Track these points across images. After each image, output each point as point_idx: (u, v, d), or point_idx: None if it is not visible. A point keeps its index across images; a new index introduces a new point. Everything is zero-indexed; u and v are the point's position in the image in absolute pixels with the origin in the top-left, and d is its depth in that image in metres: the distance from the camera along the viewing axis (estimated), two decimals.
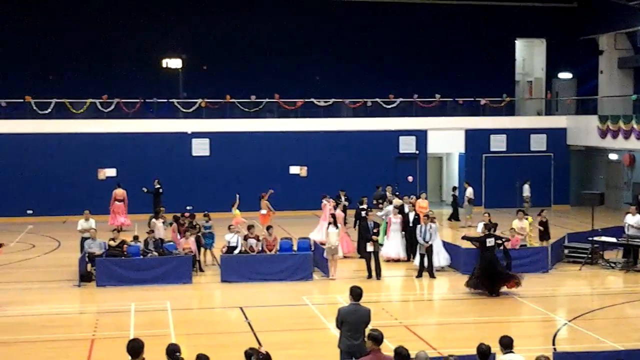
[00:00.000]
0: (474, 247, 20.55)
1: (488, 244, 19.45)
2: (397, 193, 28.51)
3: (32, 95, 34.52)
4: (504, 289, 19.40)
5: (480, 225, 22.16)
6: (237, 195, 27.22)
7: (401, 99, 37.11)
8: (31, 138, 34.21)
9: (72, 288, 20.60)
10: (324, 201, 27.30)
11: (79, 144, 34.41)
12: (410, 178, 32.42)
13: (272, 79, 36.84)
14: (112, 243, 21.83)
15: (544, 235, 24.14)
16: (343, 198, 27.48)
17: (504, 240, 20.44)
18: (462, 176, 37.00)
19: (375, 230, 21.69)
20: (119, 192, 31.23)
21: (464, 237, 21.27)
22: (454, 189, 33.90)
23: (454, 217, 32.71)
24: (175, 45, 37.11)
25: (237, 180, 33.92)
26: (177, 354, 9.46)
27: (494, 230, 20.29)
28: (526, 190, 34.03)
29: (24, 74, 35.63)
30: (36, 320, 17.42)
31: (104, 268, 20.88)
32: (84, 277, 21.02)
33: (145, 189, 31.73)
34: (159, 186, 32.04)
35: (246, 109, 36.15)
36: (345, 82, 37.20)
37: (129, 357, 9.43)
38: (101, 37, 36.58)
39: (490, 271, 19.28)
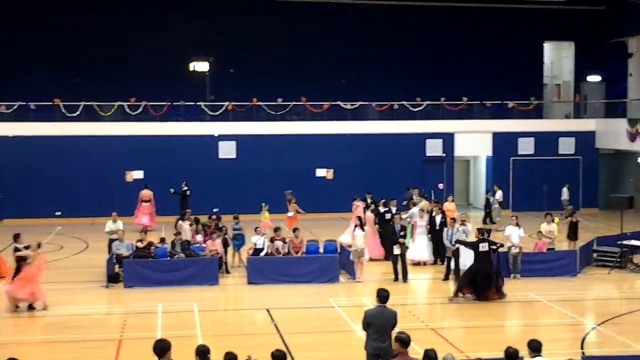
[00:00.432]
0: (502, 250, 20.40)
1: (481, 249, 19.27)
2: (425, 195, 28.39)
3: (61, 98, 34.84)
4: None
5: (508, 229, 22.07)
6: (263, 204, 27.32)
7: (428, 102, 36.99)
8: (60, 140, 34.53)
9: (100, 289, 20.75)
10: (356, 203, 27.22)
11: (107, 147, 34.68)
12: (440, 185, 32.20)
13: (298, 81, 36.87)
14: (139, 245, 21.99)
15: (572, 235, 24.02)
16: (369, 201, 27.41)
17: (498, 245, 20.19)
18: (489, 179, 36.80)
19: (402, 233, 21.62)
20: (146, 193, 31.56)
21: (457, 241, 21.08)
22: (488, 192, 33.60)
23: (490, 219, 32.43)
24: (203, 48, 37.26)
25: (263, 183, 34.04)
26: (208, 355, 9.50)
27: (488, 236, 20.01)
28: (564, 193, 34.01)
29: (52, 77, 35.95)
30: (64, 320, 17.56)
31: (132, 269, 21.01)
32: (112, 278, 21.18)
33: (172, 190, 32.00)
34: (186, 188, 32.24)
35: (273, 112, 36.23)
36: (371, 85, 37.17)
37: (156, 358, 9.48)
38: (129, 40, 36.82)
39: (482, 276, 19.10)
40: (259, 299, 19.63)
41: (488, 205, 32.85)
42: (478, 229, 20.11)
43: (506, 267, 21.72)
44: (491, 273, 19.21)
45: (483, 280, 19.06)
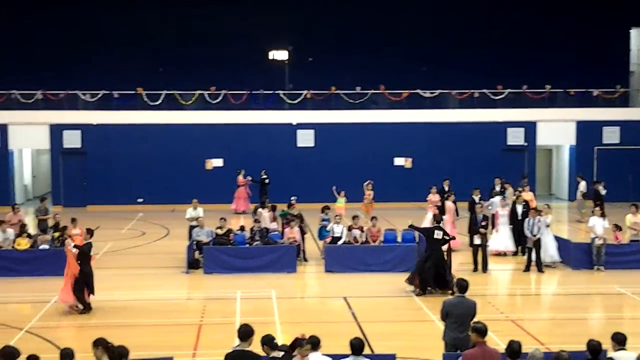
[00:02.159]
0: (585, 241, 19.90)
1: (435, 236, 18.75)
2: (510, 183, 27.81)
3: (144, 87, 35.47)
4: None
5: (592, 220, 21.53)
6: (334, 188, 27.34)
7: (510, 90, 36.33)
8: (142, 129, 35.20)
9: (180, 274, 21.07)
10: (433, 192, 26.83)
11: (188, 135, 35.20)
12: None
13: (377, 70, 36.71)
14: (219, 231, 22.22)
15: None
16: (446, 188, 27.03)
17: (450, 237, 19.60)
18: (572, 169, 35.97)
19: (483, 223, 21.29)
20: (239, 178, 32.71)
21: (410, 226, 20.51)
22: (594, 182, 31.99)
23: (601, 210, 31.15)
24: (282, 37, 37.42)
25: (341, 171, 34.01)
26: (275, 341, 9.72)
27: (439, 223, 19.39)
28: None
29: (135, 67, 36.65)
30: (146, 305, 17.86)
31: (211, 256, 21.25)
32: (192, 264, 21.47)
33: (250, 178, 32.37)
34: (265, 176, 32.51)
35: (351, 100, 36.14)
36: (451, 73, 36.68)
37: (238, 341, 9.67)
38: (209, 30, 37.25)
39: (431, 264, 18.51)
40: (336, 287, 19.60)
41: (598, 197, 30.98)
42: (433, 215, 19.51)
43: (590, 258, 21.24)
44: (439, 263, 18.67)
45: (428, 270, 18.49)
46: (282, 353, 9.71)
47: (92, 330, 15.07)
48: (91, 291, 17.01)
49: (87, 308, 16.75)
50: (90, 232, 17.64)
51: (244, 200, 32.63)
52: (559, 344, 13.19)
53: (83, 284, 16.72)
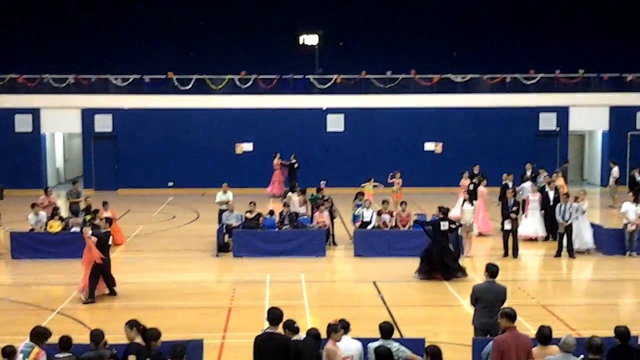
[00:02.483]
0: (617, 227, 19.67)
1: (442, 228, 18.56)
2: (544, 168, 27.52)
3: (174, 72, 35.59)
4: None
5: (625, 205, 21.28)
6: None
7: (542, 75, 35.94)
8: (173, 113, 35.36)
9: (210, 258, 21.18)
10: (465, 177, 26.68)
11: (218, 119, 35.31)
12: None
13: (408, 54, 36.48)
14: (248, 215, 22.29)
15: None
16: (477, 173, 26.84)
17: (457, 224, 19.41)
18: (605, 155, 35.56)
19: (514, 209, 21.12)
20: (275, 162, 32.93)
21: (415, 222, 20.36)
22: (632, 169, 31.52)
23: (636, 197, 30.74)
24: (312, 21, 37.32)
25: (371, 156, 33.94)
26: (295, 325, 9.83)
27: (446, 214, 19.16)
28: None
29: (166, 52, 36.80)
30: (177, 287, 17.97)
31: (241, 239, 21.32)
32: (222, 248, 21.57)
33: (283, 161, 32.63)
34: (294, 161, 32.53)
35: (381, 85, 35.97)
36: (483, 57, 36.38)
37: (267, 324, 9.80)
38: (239, 14, 37.26)
39: (437, 255, 18.37)
40: (365, 271, 19.59)
41: (634, 183, 29.83)
42: (438, 207, 19.31)
43: (622, 244, 21.03)
44: (444, 254, 18.51)
45: (437, 260, 18.35)
46: (303, 336, 9.78)
47: (123, 312, 15.21)
48: (107, 282, 16.77)
49: (92, 299, 16.37)
50: (109, 221, 17.69)
51: (279, 184, 32.72)
52: (590, 330, 13.07)
53: (99, 273, 16.50)
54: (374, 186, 26.88)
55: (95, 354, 9.57)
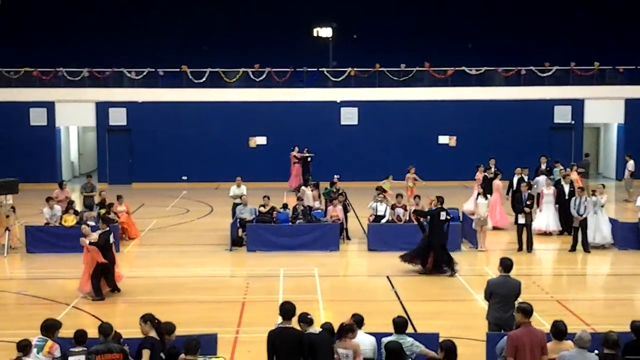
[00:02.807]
0: (632, 220, 19.52)
1: (442, 217, 18.45)
2: (559, 161, 27.38)
3: (188, 65, 35.61)
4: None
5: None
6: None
7: (557, 67, 35.73)
8: (186, 106, 35.39)
9: (223, 252, 21.20)
10: (480, 170, 26.54)
11: (232, 113, 35.30)
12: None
13: (422, 47, 36.34)
14: (262, 209, 22.28)
15: None
16: (493, 168, 26.73)
17: (452, 216, 19.28)
18: (621, 148, 35.33)
19: (528, 202, 21.01)
20: (292, 154, 32.91)
21: (414, 211, 20.28)
22: None
23: None
24: (326, 14, 37.22)
25: (385, 150, 33.84)
26: (309, 317, 9.81)
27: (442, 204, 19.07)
28: None
29: (180, 45, 36.81)
30: (190, 281, 18.00)
31: (255, 233, 21.33)
32: (236, 242, 21.59)
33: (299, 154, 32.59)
34: (307, 155, 32.49)
35: (395, 78, 35.86)
36: (498, 50, 36.19)
37: (280, 318, 9.78)
38: (253, 7, 37.22)
39: (437, 246, 18.31)
40: (379, 266, 19.54)
41: None
42: (437, 197, 19.21)
43: (637, 238, 20.91)
44: (443, 245, 18.46)
45: (439, 252, 18.32)
46: (318, 329, 9.77)
47: (137, 306, 15.24)
48: (109, 283, 16.55)
49: (101, 296, 16.24)
50: (106, 221, 17.59)
51: (298, 178, 32.50)
52: (605, 325, 13.01)
53: (100, 273, 16.29)
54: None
55: (105, 347, 9.60)
